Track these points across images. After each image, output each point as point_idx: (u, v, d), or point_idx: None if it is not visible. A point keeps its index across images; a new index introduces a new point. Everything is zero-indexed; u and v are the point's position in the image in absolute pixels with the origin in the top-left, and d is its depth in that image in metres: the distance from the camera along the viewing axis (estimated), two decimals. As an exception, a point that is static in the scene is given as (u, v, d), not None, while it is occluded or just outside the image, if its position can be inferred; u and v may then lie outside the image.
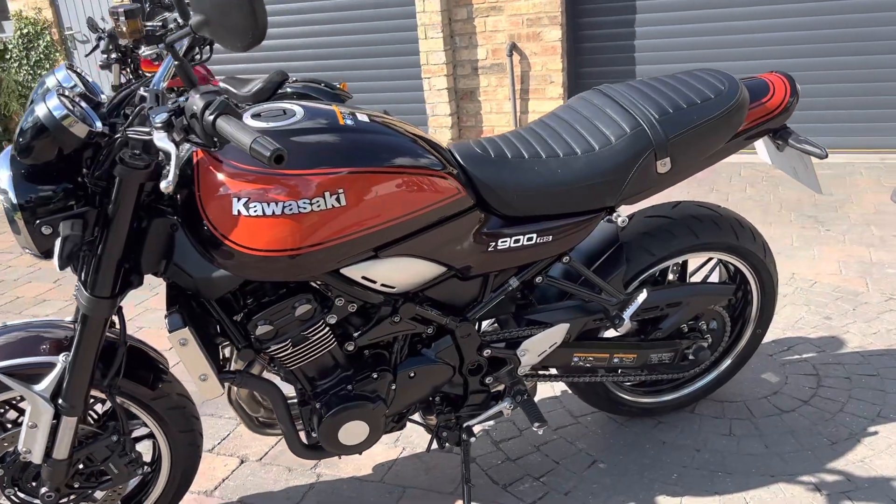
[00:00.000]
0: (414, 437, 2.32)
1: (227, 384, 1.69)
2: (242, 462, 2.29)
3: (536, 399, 2.48)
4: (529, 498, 2.03)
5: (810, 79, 5.03)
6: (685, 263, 2.13)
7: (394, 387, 1.76)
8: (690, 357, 2.10)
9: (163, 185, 1.23)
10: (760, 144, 2.08)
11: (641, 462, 2.13)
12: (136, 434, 1.86)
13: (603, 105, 1.82)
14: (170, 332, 1.52)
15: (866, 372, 2.46)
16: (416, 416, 1.99)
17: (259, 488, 2.16)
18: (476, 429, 2.35)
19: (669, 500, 1.97)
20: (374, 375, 1.72)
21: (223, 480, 2.21)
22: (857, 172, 4.69)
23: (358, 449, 1.76)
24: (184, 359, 1.55)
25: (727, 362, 2.28)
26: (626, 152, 1.72)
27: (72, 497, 1.80)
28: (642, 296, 1.87)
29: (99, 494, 1.84)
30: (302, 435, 1.82)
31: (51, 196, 1.41)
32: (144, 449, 1.87)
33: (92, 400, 1.75)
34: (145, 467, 1.91)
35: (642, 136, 1.73)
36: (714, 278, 2.33)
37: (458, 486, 2.08)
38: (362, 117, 1.60)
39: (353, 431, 1.72)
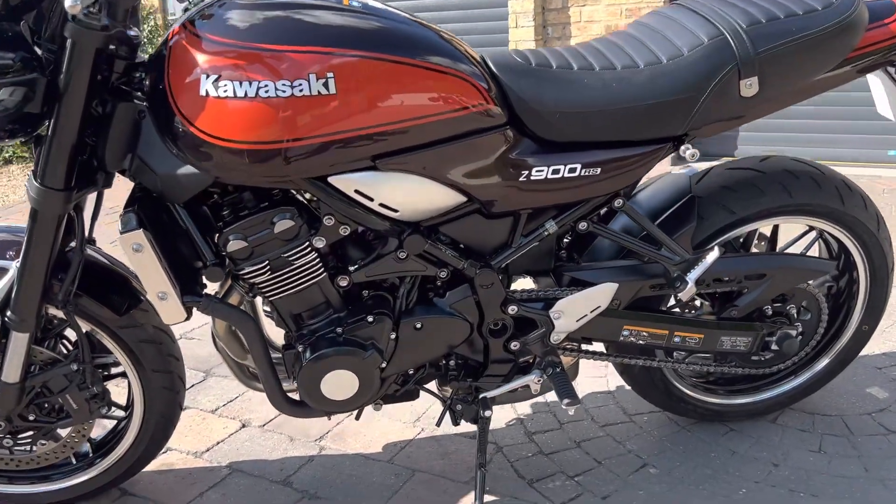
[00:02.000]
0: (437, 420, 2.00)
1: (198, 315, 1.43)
2: (243, 426, 2.04)
3: (584, 389, 2.11)
4: (558, 498, 1.67)
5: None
6: (775, 232, 1.74)
7: (394, 336, 1.46)
8: (774, 347, 1.69)
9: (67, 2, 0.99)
10: (878, 87, 1.67)
11: (702, 472, 1.73)
12: (112, 372, 1.65)
13: (680, 17, 1.48)
14: (121, 232, 1.28)
15: None
16: (433, 387, 1.68)
17: (253, 455, 1.90)
18: (505, 415, 2.01)
19: (732, 520, 1.58)
20: (370, 319, 1.43)
21: (217, 443, 1.97)
22: None
23: (345, 406, 1.47)
24: (138, 269, 1.31)
25: (823, 363, 1.85)
26: (701, 65, 1.37)
27: (28, 434, 1.60)
28: (713, 255, 1.50)
29: (63, 433, 1.63)
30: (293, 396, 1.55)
31: None
32: (121, 394, 1.65)
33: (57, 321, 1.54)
34: (116, 410, 1.69)
35: (723, 48, 1.37)
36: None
37: (474, 474, 1.75)
38: (376, 4, 1.33)
39: (338, 383, 1.43)
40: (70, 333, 1.59)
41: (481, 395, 1.57)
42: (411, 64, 1.26)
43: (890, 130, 4.53)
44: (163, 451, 1.92)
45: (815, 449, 1.79)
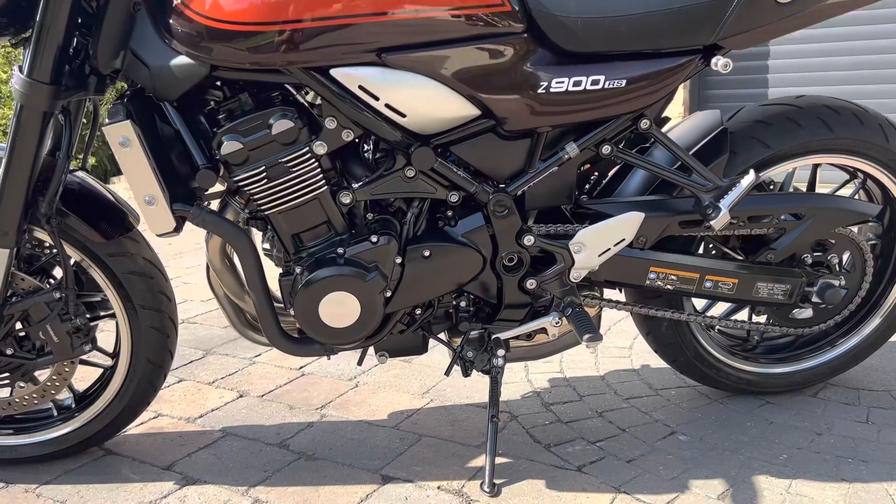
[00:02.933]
0: (448, 391, 1.87)
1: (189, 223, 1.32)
2: (241, 396, 1.92)
3: (606, 367, 1.97)
4: (577, 461, 1.52)
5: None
6: (814, 175, 1.61)
7: (400, 262, 1.35)
8: (814, 299, 1.55)
9: None
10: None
11: (738, 439, 1.57)
12: (99, 314, 1.54)
13: None
14: (107, 123, 1.19)
15: None
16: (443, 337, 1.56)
17: (250, 421, 1.77)
18: (520, 388, 1.87)
19: (774, 482, 1.41)
20: (374, 240, 1.31)
21: (212, 410, 1.84)
22: None
23: (346, 336, 1.35)
24: (125, 167, 1.22)
25: (869, 328, 1.70)
26: (732, -35, 1.28)
27: (6, 374, 1.49)
28: (749, 178, 1.37)
29: (43, 375, 1.52)
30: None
31: None
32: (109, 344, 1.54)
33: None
34: (101, 358, 1.57)
35: (758, -53, 1.28)
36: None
37: (486, 439, 1.61)
38: None
39: (338, 307, 1.31)
40: (58, 272, 1.50)
41: (494, 336, 1.44)
42: (422, -48, 1.18)
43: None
44: (153, 415, 1.81)
45: (863, 420, 1.63)
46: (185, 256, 3.40)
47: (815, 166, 1.61)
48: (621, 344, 2.13)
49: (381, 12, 1.16)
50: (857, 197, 1.63)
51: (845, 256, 1.60)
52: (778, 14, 1.31)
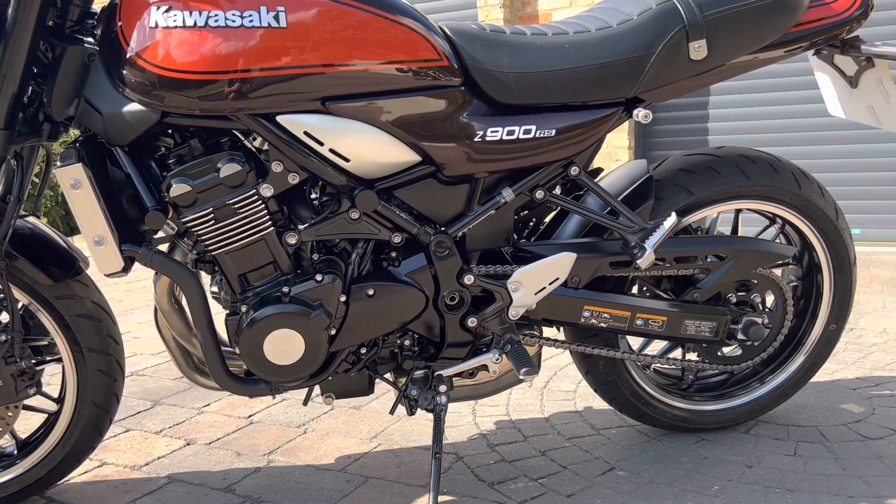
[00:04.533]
0: (396, 436, 1.90)
1: (137, 262, 1.35)
2: (188, 444, 1.91)
3: (550, 409, 2.02)
4: (519, 497, 1.56)
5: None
6: (737, 220, 1.72)
7: (344, 300, 1.40)
8: (739, 336, 1.64)
9: None
10: (827, 84, 1.72)
11: (673, 473, 1.63)
12: (45, 358, 1.55)
13: None
14: (59, 166, 1.24)
15: (983, 409, 1.91)
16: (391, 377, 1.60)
17: (196, 468, 1.77)
18: (467, 430, 1.91)
19: (705, 512, 1.47)
20: (319, 278, 1.37)
21: (158, 458, 1.84)
22: (963, 260, 4.11)
23: (290, 373, 1.38)
24: (75, 209, 1.26)
25: (794, 365, 1.79)
26: (649, 27, 1.40)
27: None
28: (671, 220, 1.47)
29: (-15, 421, 1.51)
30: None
31: None
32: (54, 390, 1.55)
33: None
34: (46, 403, 1.58)
35: (671, 11, 1.41)
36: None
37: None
38: None
39: (283, 344, 1.35)
40: (4, 316, 1.51)
41: (437, 373, 1.49)
42: (366, 10, 1.27)
43: (856, 210, 4.65)
44: (97, 464, 1.80)
45: (791, 453, 1.70)
46: (136, 313, 3.39)
47: (738, 211, 1.72)
48: (566, 388, 2.19)
49: (326, 64, 1.25)
50: (777, 241, 1.74)
51: (769, 296, 1.70)
52: (691, 70, 1.43)
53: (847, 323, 1.80)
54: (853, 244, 1.72)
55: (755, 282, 1.66)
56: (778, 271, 1.78)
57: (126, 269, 1.32)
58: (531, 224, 1.65)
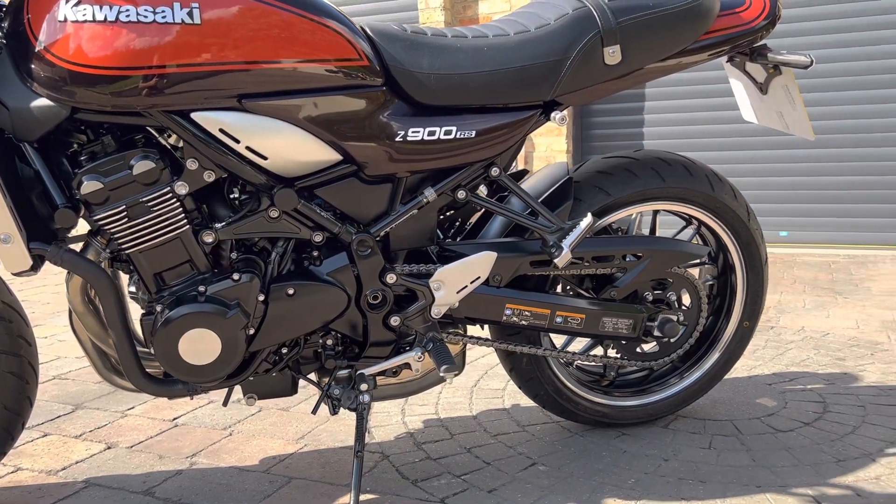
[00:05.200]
0: (323, 436, 1.89)
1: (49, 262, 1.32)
2: (109, 448, 1.87)
3: (478, 407, 2.05)
4: (441, 493, 1.57)
5: (838, 171, 4.71)
6: (655, 221, 1.78)
7: (263, 299, 1.39)
8: (656, 333, 1.69)
9: None
10: (741, 91, 1.79)
11: (593, 467, 1.67)
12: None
13: (553, 0, 1.55)
14: (-38, 162, 1.21)
15: (885, 402, 2.01)
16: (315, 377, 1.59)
17: (115, 471, 1.73)
18: (395, 429, 1.92)
19: (621, 503, 1.51)
20: (236, 277, 1.36)
21: (76, 462, 1.79)
22: (881, 261, 4.30)
23: (207, 374, 1.37)
24: (-22, 206, 1.22)
25: (709, 362, 1.85)
26: (565, 32, 1.44)
27: None
28: (586, 220, 1.51)
29: None
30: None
31: None
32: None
33: None
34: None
35: (587, 17, 1.45)
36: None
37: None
38: None
39: (199, 344, 1.33)
40: None
41: (359, 371, 1.50)
42: (284, 8, 1.27)
43: (782, 213, 4.83)
44: (11, 470, 1.75)
45: (706, 446, 1.76)
46: (62, 315, 3.29)
47: (655, 213, 1.77)
48: (496, 386, 2.22)
49: (242, 61, 1.24)
50: (693, 241, 1.80)
51: (685, 295, 1.76)
52: (607, 74, 1.48)
53: (766, 320, 1.87)
54: (765, 244, 1.79)
55: (671, 280, 1.71)
56: (695, 271, 1.84)
57: (35, 268, 1.29)
58: (457, 224, 1.67)
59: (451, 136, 1.42)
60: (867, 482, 1.56)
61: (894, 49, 4.46)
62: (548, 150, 5.48)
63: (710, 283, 1.86)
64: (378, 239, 1.46)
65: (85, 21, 1.17)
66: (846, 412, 1.94)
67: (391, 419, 1.99)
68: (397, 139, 1.40)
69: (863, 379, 2.19)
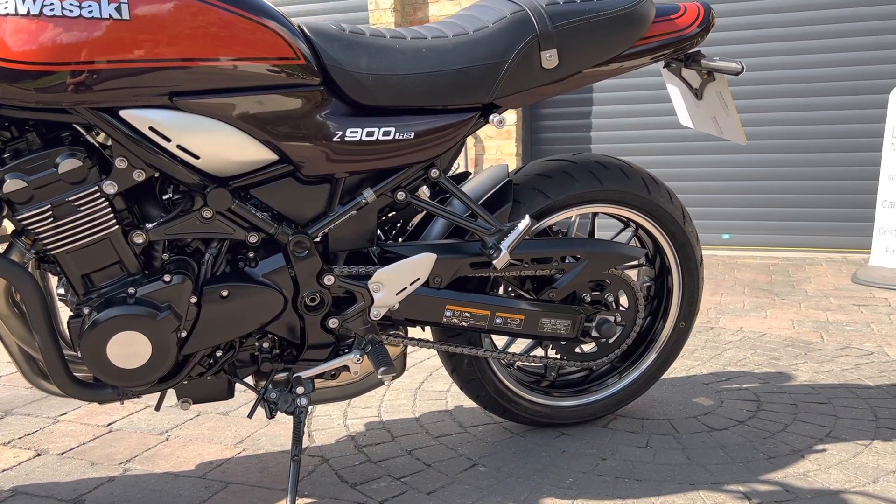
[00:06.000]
0: (262, 441, 1.86)
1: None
2: (38, 455, 1.81)
3: (421, 409, 2.05)
4: (380, 496, 1.56)
5: (777, 175, 4.86)
6: (593, 223, 1.80)
7: (196, 301, 1.37)
8: (594, 333, 1.71)
9: None
10: (677, 96, 1.83)
11: (532, 467, 1.68)
12: None
13: (492, 3, 1.56)
14: None
15: (816, 400, 2.07)
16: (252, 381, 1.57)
17: (44, 479, 1.68)
18: (336, 433, 1.90)
19: (558, 503, 1.52)
20: (167, 279, 1.33)
21: (3, 470, 1.73)
22: (817, 263, 4.45)
23: (137, 378, 1.34)
24: None
25: (651, 358, 1.89)
26: (503, 35, 1.45)
27: None
28: (524, 222, 1.52)
29: None
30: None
31: None
32: None
33: None
34: None
35: (524, 20, 1.46)
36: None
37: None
38: None
39: (128, 347, 1.30)
40: None
41: (296, 375, 1.48)
42: (218, 6, 1.25)
43: (724, 216, 4.95)
44: (-67, 479, 1.68)
45: (643, 445, 1.79)
46: (-5, 317, 3.17)
47: (594, 215, 1.80)
48: (439, 388, 2.22)
49: (173, 58, 1.21)
50: (631, 243, 1.83)
51: (622, 296, 1.78)
52: (544, 78, 1.49)
53: (705, 321, 1.91)
54: (699, 246, 1.83)
55: (609, 282, 1.73)
56: (632, 273, 1.87)
57: (-46, 271, 1.24)
58: (398, 225, 1.66)
59: (390, 137, 1.42)
60: (796, 478, 1.60)
61: (823, 58, 4.62)
62: (497, 152, 5.51)
63: (648, 284, 1.90)
64: (316, 240, 1.45)
65: (7, 14, 1.13)
66: (779, 410, 1.99)
67: (333, 422, 1.97)
68: (335, 139, 1.39)
69: (796, 378, 2.26)
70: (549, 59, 1.46)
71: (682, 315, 1.86)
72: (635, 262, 1.80)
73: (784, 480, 1.59)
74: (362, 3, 5.69)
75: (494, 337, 1.79)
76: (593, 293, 1.72)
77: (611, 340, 1.78)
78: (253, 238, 1.40)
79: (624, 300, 1.79)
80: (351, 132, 1.40)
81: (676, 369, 2.33)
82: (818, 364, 2.39)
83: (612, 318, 1.71)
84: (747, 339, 2.69)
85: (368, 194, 1.46)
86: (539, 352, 1.84)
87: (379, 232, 1.59)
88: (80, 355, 1.31)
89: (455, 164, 1.63)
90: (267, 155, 1.36)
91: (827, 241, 4.83)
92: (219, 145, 1.30)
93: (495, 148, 5.52)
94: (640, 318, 1.79)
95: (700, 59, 1.62)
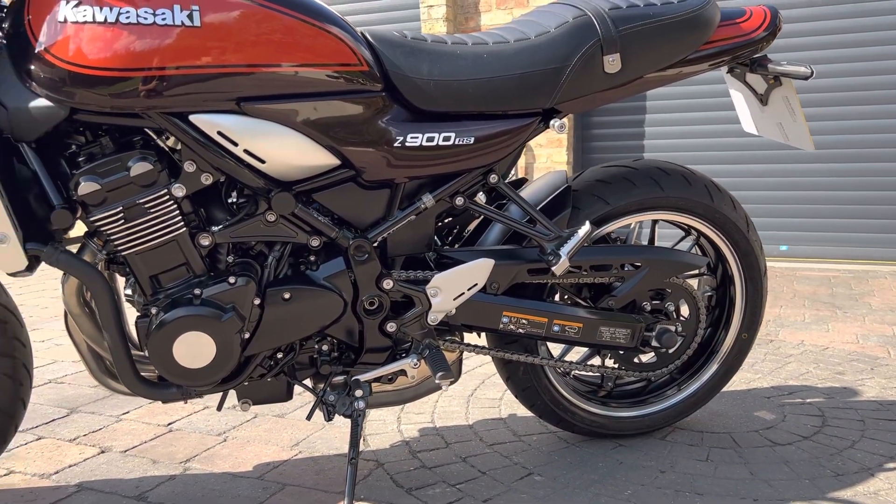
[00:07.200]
0: (318, 443, 1.88)
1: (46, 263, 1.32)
2: (102, 452, 1.86)
3: (474, 416, 2.04)
4: (435, 502, 1.56)
5: (839, 185, 4.71)
6: (654, 231, 1.77)
7: (259, 303, 1.39)
8: (654, 343, 1.68)
9: None
10: (741, 102, 1.79)
11: (588, 478, 1.66)
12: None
13: (552, 8, 1.56)
14: (-41, 162, 1.20)
15: (885, 416, 1.99)
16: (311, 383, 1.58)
17: (108, 476, 1.72)
18: (390, 437, 1.91)
19: (616, 515, 1.50)
20: (232, 281, 1.35)
21: (69, 466, 1.78)
22: (881, 276, 4.30)
23: (202, 377, 1.36)
24: (-25, 205, 1.22)
25: (708, 373, 1.84)
26: (565, 39, 1.44)
27: None
28: (585, 228, 1.50)
29: None
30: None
31: None
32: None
33: None
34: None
35: (587, 25, 1.45)
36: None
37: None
38: None
39: (194, 347, 1.33)
40: None
41: (354, 378, 1.49)
42: (284, 13, 1.27)
43: (782, 227, 4.82)
44: (4, 473, 1.74)
45: (703, 458, 1.75)
46: (59, 319, 3.29)
47: (654, 222, 1.77)
48: (492, 395, 2.20)
49: (241, 64, 1.24)
50: (692, 251, 1.80)
51: (683, 305, 1.75)
52: (606, 83, 1.47)
53: (765, 333, 1.86)
54: (763, 255, 1.79)
55: (669, 291, 1.70)
56: (693, 281, 1.84)
57: (31, 269, 1.28)
58: (455, 231, 1.66)
59: (450, 143, 1.42)
60: (866, 497, 1.55)
61: (894, 65, 4.47)
62: (548, 160, 5.48)
63: (709, 294, 1.86)
64: (375, 244, 1.46)
65: (85, 22, 1.17)
66: (845, 426, 1.93)
67: (387, 427, 1.97)
68: (395, 145, 1.40)
69: (862, 394, 2.18)
70: (612, 63, 1.45)
71: (745, 326, 1.82)
72: (697, 271, 1.76)
73: (853, 499, 1.54)
74: (415, 14, 5.74)
75: (550, 345, 1.76)
76: (653, 302, 1.69)
77: (671, 351, 1.75)
78: (315, 242, 1.42)
79: (684, 310, 1.76)
80: (411, 137, 1.40)
81: (736, 382, 2.27)
82: (886, 380, 2.30)
83: (672, 328, 1.68)
84: (809, 353, 2.61)
85: (427, 199, 1.46)
86: (596, 361, 1.81)
87: (435, 237, 1.59)
88: (146, 354, 1.35)
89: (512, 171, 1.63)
90: (330, 160, 1.38)
91: (891, 254, 4.67)
92: (284, 150, 1.32)
93: (546, 156, 5.49)
94: (701, 329, 1.76)
95: (766, 64, 1.59)
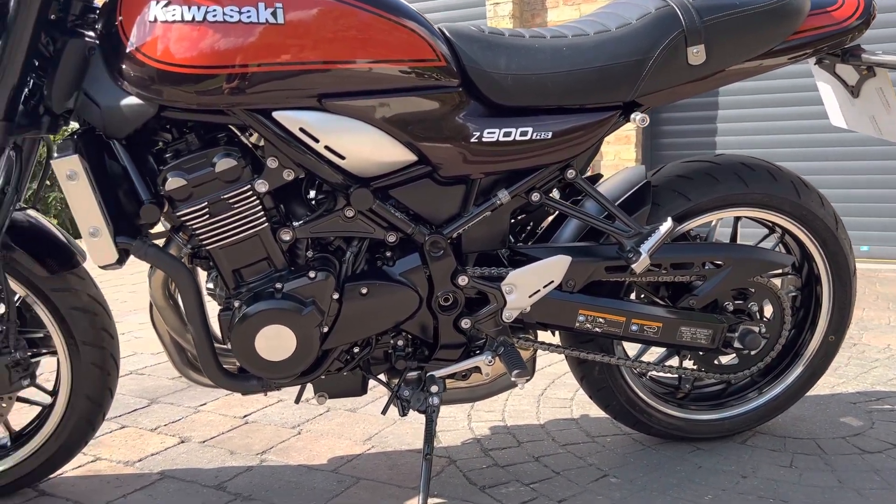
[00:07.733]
0: (390, 438, 1.89)
1: (128, 254, 1.36)
2: (182, 441, 1.91)
3: (546, 416, 2.01)
4: (510, 501, 1.55)
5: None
6: (736, 228, 1.72)
7: (337, 298, 1.40)
8: (736, 344, 1.63)
9: None
10: (829, 94, 1.71)
11: (666, 481, 1.62)
12: (40, 351, 1.56)
13: (633, 0, 1.52)
14: (55, 157, 1.25)
15: (984, 426, 1.88)
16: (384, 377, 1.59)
17: (189, 465, 1.77)
18: (461, 434, 1.90)
19: (697, 520, 1.45)
20: (312, 275, 1.37)
21: (152, 454, 1.84)
22: (971, 279, 4.08)
23: (282, 370, 1.38)
24: (71, 200, 1.27)
25: (796, 372, 1.77)
26: (648, 31, 1.40)
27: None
28: (666, 225, 1.47)
29: (-21, 412, 1.52)
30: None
31: None
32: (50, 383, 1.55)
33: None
34: (40, 395, 1.58)
35: (670, 15, 1.41)
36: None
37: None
38: None
39: (275, 340, 1.35)
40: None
41: (429, 373, 1.49)
42: (364, 9, 1.28)
43: (863, 227, 4.62)
44: (91, 459, 1.80)
45: (786, 465, 1.69)
46: (139, 313, 3.40)
47: (737, 219, 1.71)
48: (563, 395, 2.18)
49: (324, 61, 1.25)
50: (776, 250, 1.73)
51: (767, 306, 1.69)
52: (689, 75, 1.43)
53: (848, 336, 1.78)
54: (853, 255, 1.71)
55: (753, 290, 1.65)
56: (777, 281, 1.77)
57: (121, 262, 1.33)
58: (529, 227, 1.64)
59: (527, 138, 1.40)
60: (966, 509, 1.46)
61: None
62: (616, 158, 5.39)
63: (794, 294, 1.79)
64: (450, 240, 1.45)
65: (174, 21, 1.20)
66: (940, 435, 1.83)
67: (457, 424, 1.97)
68: (472, 140, 1.39)
69: (957, 401, 2.06)
70: (696, 54, 1.41)
71: (832, 328, 1.74)
72: (781, 270, 1.70)
73: (952, 511, 1.46)
74: (481, 12, 5.72)
75: (626, 344, 1.73)
76: (736, 302, 1.64)
77: (753, 352, 1.69)
78: (391, 237, 1.42)
79: (768, 310, 1.70)
80: (488, 133, 1.39)
81: (819, 386, 2.18)
82: (983, 387, 2.18)
83: (756, 329, 1.62)
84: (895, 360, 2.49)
85: (503, 195, 1.45)
86: (674, 361, 1.76)
87: (509, 233, 1.58)
88: (229, 347, 1.37)
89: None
90: (407, 156, 1.38)
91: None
92: (363, 146, 1.33)
93: (613, 153, 5.40)
94: (785, 330, 1.69)
95: (860, 54, 1.52)
